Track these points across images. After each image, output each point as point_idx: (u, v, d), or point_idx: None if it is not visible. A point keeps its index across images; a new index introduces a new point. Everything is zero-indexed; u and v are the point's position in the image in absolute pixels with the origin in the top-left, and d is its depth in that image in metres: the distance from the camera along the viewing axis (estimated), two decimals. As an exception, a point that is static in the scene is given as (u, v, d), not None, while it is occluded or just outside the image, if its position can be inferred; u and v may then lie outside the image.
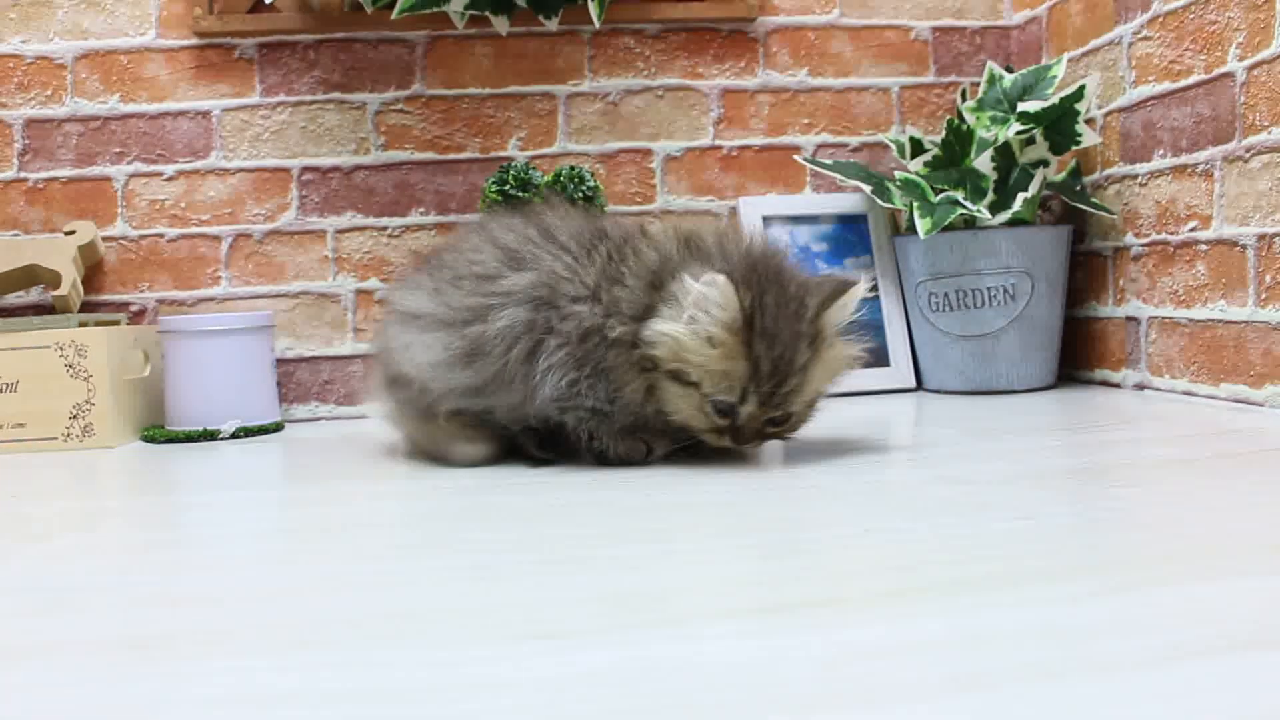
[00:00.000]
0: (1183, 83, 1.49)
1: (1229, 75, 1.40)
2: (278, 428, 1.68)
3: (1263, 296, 1.36)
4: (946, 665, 0.53)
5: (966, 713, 0.47)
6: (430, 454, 1.26)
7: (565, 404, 1.14)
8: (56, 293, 1.66)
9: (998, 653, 0.54)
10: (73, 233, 1.72)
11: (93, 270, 1.78)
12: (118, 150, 1.79)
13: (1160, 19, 1.53)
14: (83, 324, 1.62)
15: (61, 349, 1.56)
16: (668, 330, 1.07)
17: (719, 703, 0.49)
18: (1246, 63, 1.37)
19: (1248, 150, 1.37)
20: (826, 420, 1.47)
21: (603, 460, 1.16)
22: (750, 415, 1.08)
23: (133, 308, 1.80)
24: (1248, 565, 0.68)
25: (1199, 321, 1.48)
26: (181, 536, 0.95)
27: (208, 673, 0.57)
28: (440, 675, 0.55)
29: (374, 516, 1.00)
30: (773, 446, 1.28)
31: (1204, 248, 1.46)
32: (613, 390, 1.12)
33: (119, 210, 1.79)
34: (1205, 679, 0.50)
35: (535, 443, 1.19)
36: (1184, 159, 1.49)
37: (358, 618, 0.66)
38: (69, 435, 1.56)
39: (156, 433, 1.62)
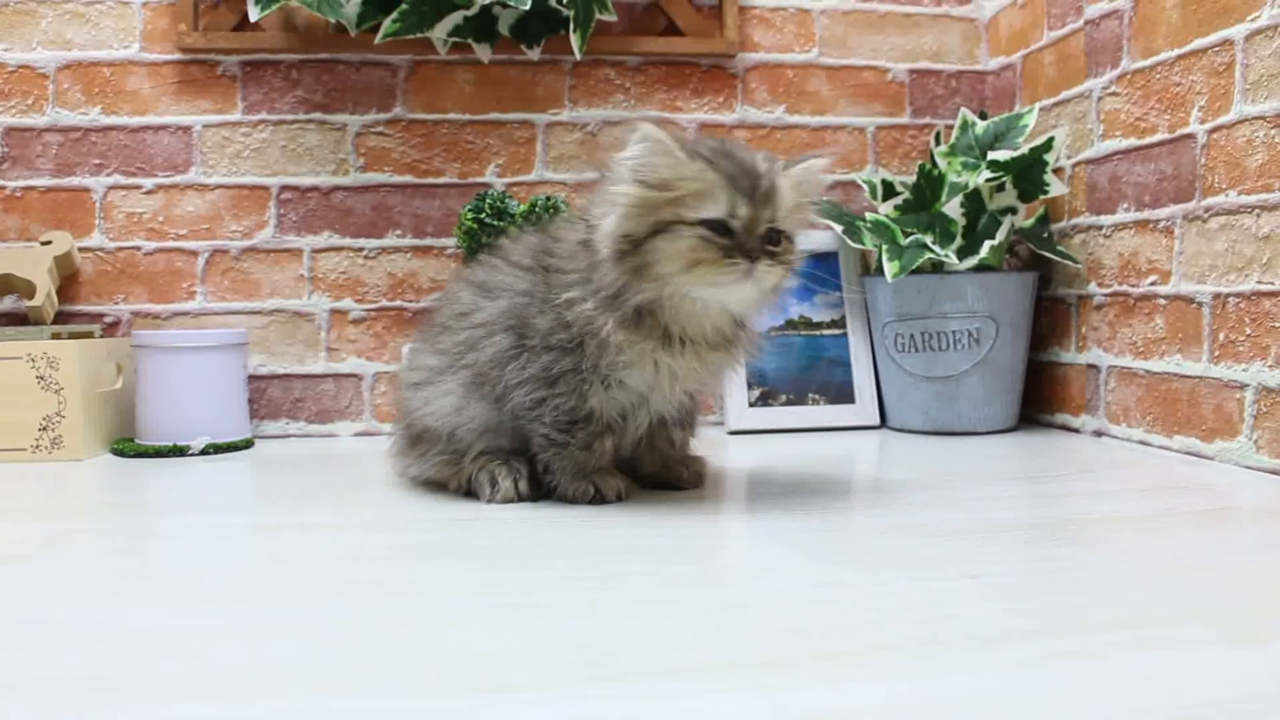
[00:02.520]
0: (1147, 140, 1.52)
1: (1191, 136, 1.43)
2: (248, 444, 1.69)
3: (1216, 354, 1.39)
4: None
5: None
6: (468, 494, 1.24)
7: (530, 422, 1.16)
8: (31, 303, 1.67)
9: (927, 725, 0.56)
10: (49, 243, 1.73)
11: (68, 281, 1.79)
12: (97, 162, 1.80)
13: (1128, 76, 1.56)
14: (56, 335, 1.63)
15: (33, 360, 1.57)
16: (620, 191, 1.07)
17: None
18: (1207, 126, 1.40)
19: (1206, 210, 1.41)
20: (791, 456, 1.49)
21: (560, 498, 1.19)
22: (746, 220, 1.07)
23: (107, 319, 1.80)
24: (1182, 634, 0.71)
25: (1156, 373, 1.51)
26: (146, 564, 0.96)
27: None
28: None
29: (336, 549, 1.02)
30: (735, 485, 1.30)
31: (1163, 302, 1.50)
32: (583, 386, 1.13)
33: (96, 222, 1.80)
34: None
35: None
36: (1146, 214, 1.53)
37: (314, 662, 0.67)
38: (38, 447, 1.57)
39: (126, 446, 1.62)
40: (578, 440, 1.16)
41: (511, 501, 1.17)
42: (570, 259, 1.15)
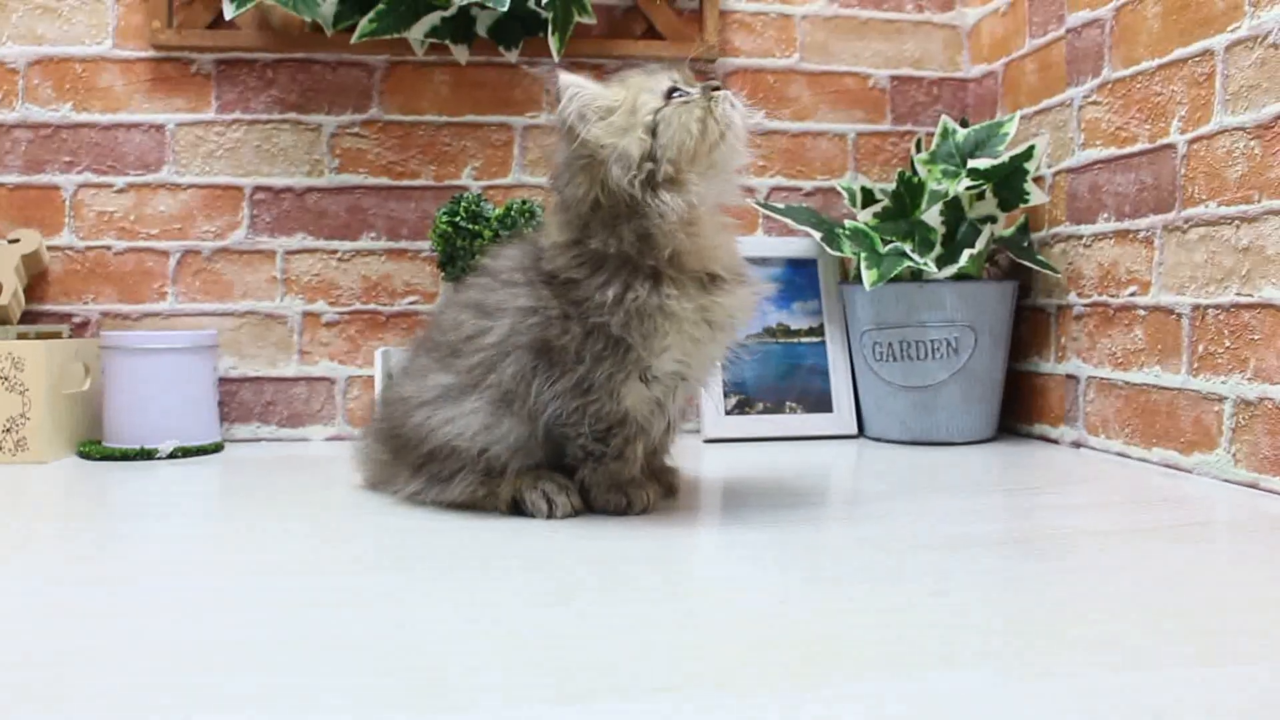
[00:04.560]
0: (1128, 149, 1.51)
1: (1171, 146, 1.42)
2: (217, 448, 1.67)
3: (1195, 366, 1.38)
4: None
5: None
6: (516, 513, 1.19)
7: (566, 430, 1.15)
8: (-3, 302, 1.64)
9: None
10: (17, 241, 1.70)
11: (36, 280, 1.76)
12: (68, 159, 1.77)
13: (1109, 85, 1.55)
14: (22, 335, 1.61)
15: (-2, 361, 1.54)
16: (596, 134, 1.11)
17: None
18: (1187, 136, 1.39)
19: (1186, 221, 1.40)
20: (766, 466, 1.48)
21: (597, 509, 1.18)
22: (687, 79, 1.14)
23: (76, 319, 1.78)
24: (1153, 654, 0.69)
25: (1135, 385, 1.50)
26: (100, 575, 0.94)
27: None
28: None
29: (298, 558, 1.00)
30: (709, 496, 1.29)
31: (1142, 313, 1.49)
32: (620, 388, 1.13)
33: (66, 220, 1.77)
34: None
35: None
36: (1126, 224, 1.52)
37: (261, 690, 0.65)
38: (1, 449, 1.54)
39: (93, 449, 1.60)
40: (612, 449, 1.16)
41: (570, 516, 1.15)
42: (593, 262, 1.13)
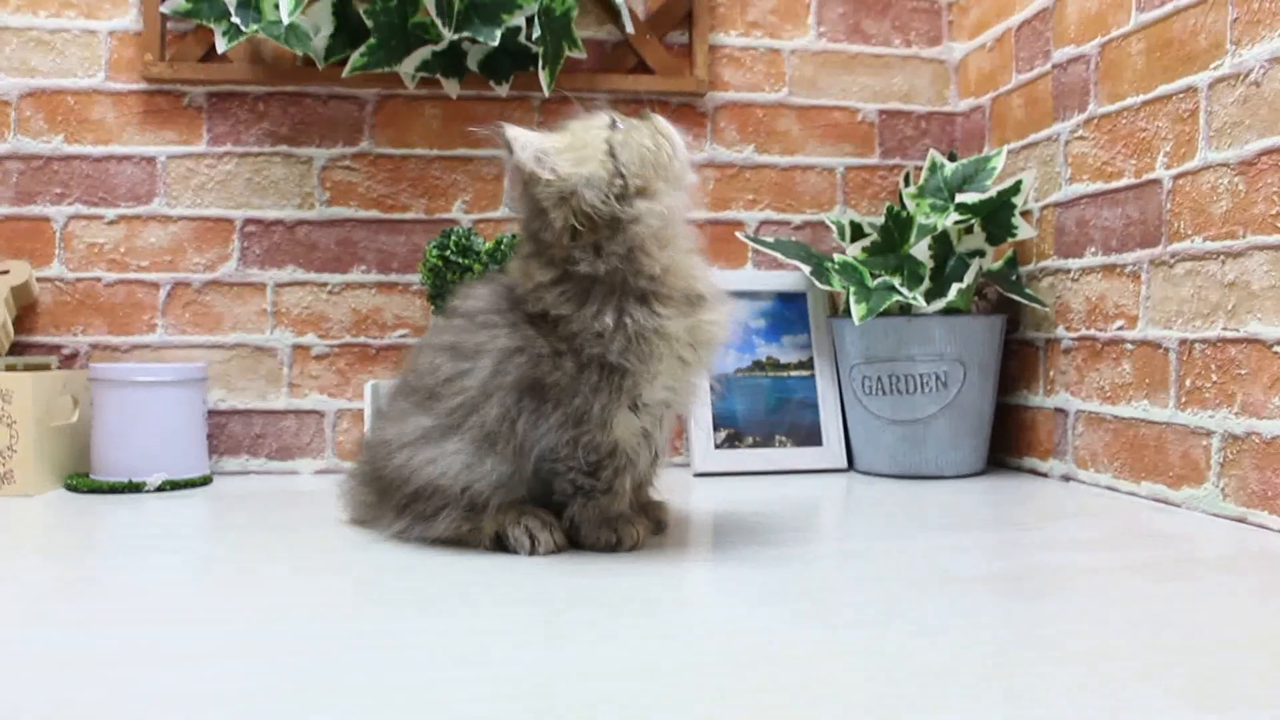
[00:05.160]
0: (1114, 184, 1.52)
1: (1157, 182, 1.43)
2: (205, 481, 1.66)
3: (1183, 400, 1.39)
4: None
5: None
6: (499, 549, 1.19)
7: (556, 465, 1.15)
8: (-15, 334, 1.64)
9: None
10: (6, 272, 1.70)
11: (26, 311, 1.76)
12: (59, 190, 1.77)
13: (1095, 120, 1.57)
14: (11, 367, 1.60)
15: (-14, 393, 1.54)
16: (557, 169, 1.14)
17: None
18: (1173, 171, 1.40)
19: (1172, 256, 1.41)
20: (756, 500, 1.48)
21: (585, 546, 1.17)
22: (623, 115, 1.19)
23: (65, 351, 1.77)
24: (1139, 700, 0.69)
25: (1123, 419, 1.51)
26: (82, 618, 0.93)
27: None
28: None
29: (287, 599, 0.99)
30: (698, 531, 1.28)
31: (1130, 347, 1.49)
32: (611, 418, 1.13)
33: (56, 251, 1.77)
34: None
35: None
36: (1114, 258, 1.53)
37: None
38: (-12, 482, 1.54)
39: (80, 482, 1.59)
40: (602, 481, 1.16)
41: (553, 553, 1.15)
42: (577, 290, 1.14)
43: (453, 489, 1.15)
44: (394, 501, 1.21)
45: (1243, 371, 1.29)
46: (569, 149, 1.15)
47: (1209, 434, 1.35)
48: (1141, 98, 1.47)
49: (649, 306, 1.13)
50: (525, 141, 1.14)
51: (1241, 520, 1.29)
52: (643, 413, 1.15)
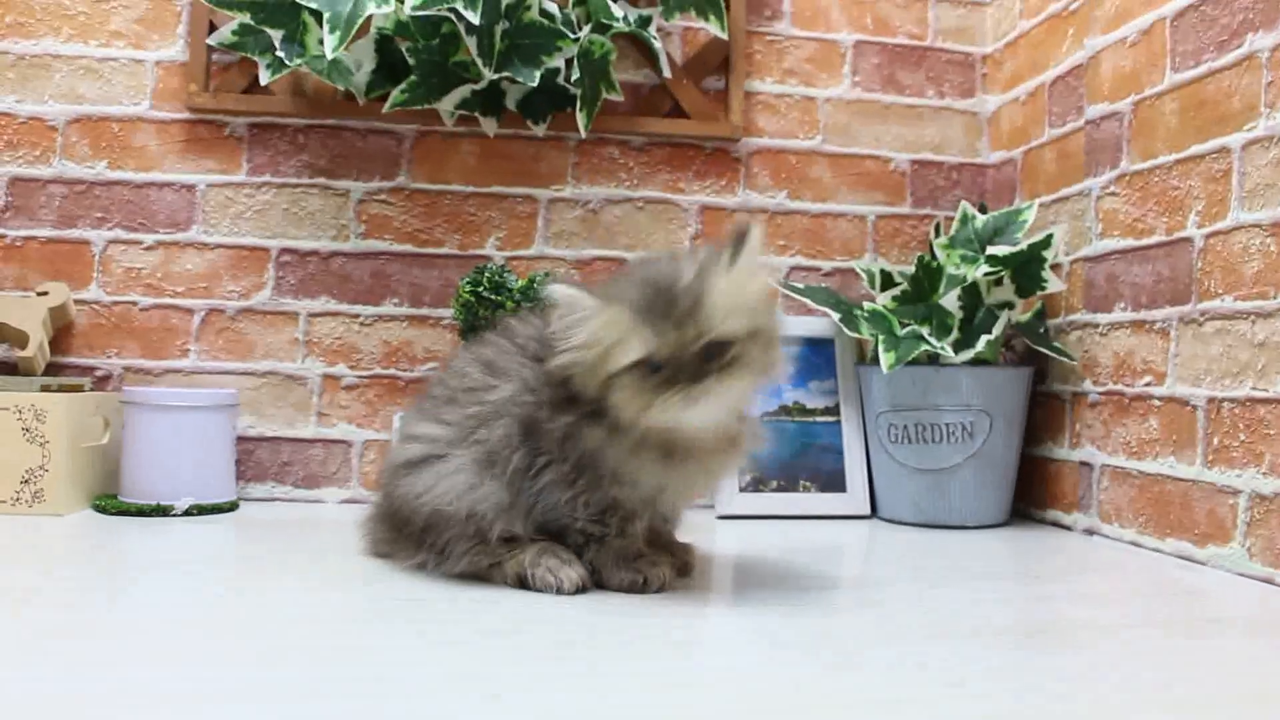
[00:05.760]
0: (1145, 241, 1.53)
1: (1188, 240, 1.44)
2: (232, 507, 1.67)
3: (1210, 458, 1.39)
4: None
5: None
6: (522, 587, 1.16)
7: (564, 518, 1.15)
8: (22, 354, 1.66)
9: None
10: (45, 294, 1.72)
11: (62, 333, 1.78)
12: (99, 215, 1.80)
13: (1127, 177, 1.57)
14: (45, 388, 1.62)
15: (20, 412, 1.56)
16: (561, 364, 1.11)
17: None
18: (1204, 230, 1.41)
19: (1202, 314, 1.41)
20: (779, 545, 1.48)
21: (608, 587, 1.16)
22: (672, 348, 1.06)
23: (98, 373, 1.80)
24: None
25: (1149, 474, 1.50)
26: (100, 628, 0.94)
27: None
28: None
29: (312, 638, 1.00)
30: (721, 575, 1.29)
31: (1157, 403, 1.49)
32: (602, 482, 1.13)
33: (94, 274, 1.80)
34: None
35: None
36: (1143, 314, 1.53)
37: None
38: (18, 500, 1.55)
39: (109, 503, 1.61)
40: (613, 528, 1.15)
41: (580, 592, 1.13)
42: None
43: (457, 514, 1.14)
44: (410, 535, 1.21)
45: (1271, 431, 1.29)
46: (580, 347, 1.10)
47: (1236, 493, 1.34)
48: (1174, 156, 1.47)
49: (624, 450, 1.11)
50: (559, 316, 1.10)
51: (1268, 581, 1.28)
52: (631, 489, 1.14)
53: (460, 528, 1.15)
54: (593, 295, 1.09)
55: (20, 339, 1.68)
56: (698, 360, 1.06)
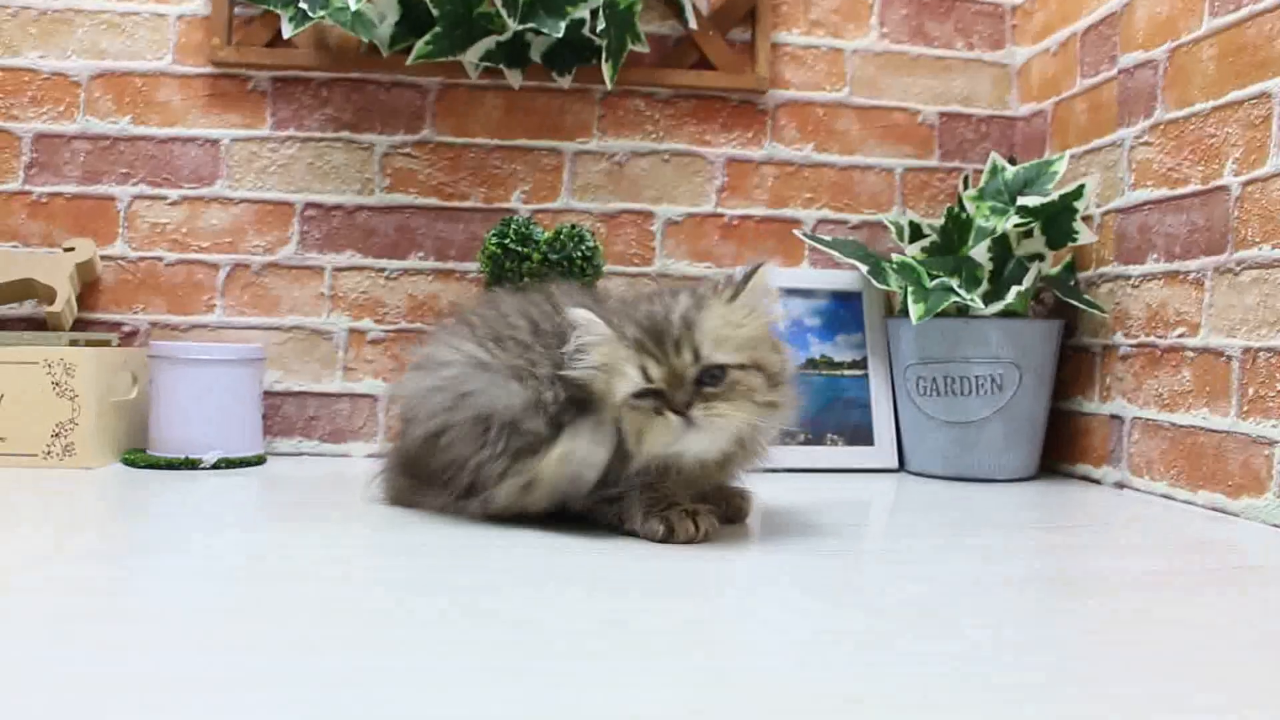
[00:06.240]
0: (1179, 191, 1.51)
1: (1224, 188, 1.42)
2: (260, 461, 1.68)
3: (1245, 408, 1.37)
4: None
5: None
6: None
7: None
8: (50, 309, 1.67)
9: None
10: (72, 249, 1.73)
11: (88, 288, 1.79)
12: (124, 171, 1.80)
13: (1161, 126, 1.55)
14: (73, 343, 1.63)
15: (50, 366, 1.56)
16: (577, 375, 1.13)
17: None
18: (1241, 178, 1.39)
19: (1238, 264, 1.39)
20: (807, 498, 1.47)
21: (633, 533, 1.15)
22: (664, 376, 1.07)
23: (125, 329, 1.80)
24: (1194, 700, 0.68)
25: (1181, 427, 1.49)
26: (133, 589, 0.95)
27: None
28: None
29: (343, 592, 1.00)
30: (749, 526, 1.28)
31: (1190, 354, 1.48)
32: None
33: (120, 230, 1.80)
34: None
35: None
36: (1176, 265, 1.51)
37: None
38: (49, 453, 1.56)
39: (138, 457, 1.61)
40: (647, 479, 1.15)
41: (694, 540, 1.13)
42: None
43: (510, 409, 1.15)
44: (446, 443, 1.20)
45: (1308, 381, 1.27)
46: (596, 368, 1.12)
47: (1271, 444, 1.33)
48: (1211, 103, 1.45)
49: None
50: (578, 338, 1.13)
51: (1303, 532, 1.27)
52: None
53: (494, 427, 1.16)
54: (609, 324, 1.11)
55: (49, 294, 1.68)
56: (695, 386, 1.08)
